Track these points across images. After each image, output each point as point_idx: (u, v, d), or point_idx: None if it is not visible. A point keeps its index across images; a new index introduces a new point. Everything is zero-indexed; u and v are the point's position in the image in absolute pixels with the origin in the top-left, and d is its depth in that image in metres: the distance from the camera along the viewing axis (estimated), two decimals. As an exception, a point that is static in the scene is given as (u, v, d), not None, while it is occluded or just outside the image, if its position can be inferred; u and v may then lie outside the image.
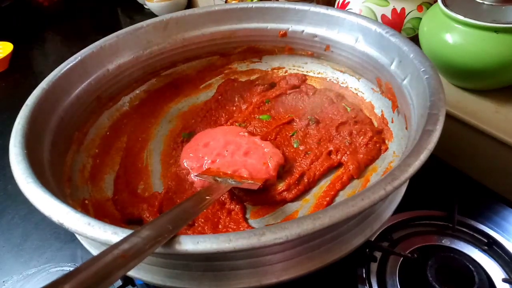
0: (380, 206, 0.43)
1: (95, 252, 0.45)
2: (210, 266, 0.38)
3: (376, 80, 0.61)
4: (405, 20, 0.74)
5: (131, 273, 0.42)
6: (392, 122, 0.59)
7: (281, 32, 0.70)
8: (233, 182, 0.55)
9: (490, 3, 0.61)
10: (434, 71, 0.47)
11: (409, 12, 0.74)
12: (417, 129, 0.43)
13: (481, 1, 0.62)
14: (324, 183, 0.59)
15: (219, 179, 0.56)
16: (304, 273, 0.39)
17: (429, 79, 0.46)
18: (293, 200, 0.57)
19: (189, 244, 0.32)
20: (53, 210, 0.38)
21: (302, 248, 0.38)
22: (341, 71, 0.70)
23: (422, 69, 0.48)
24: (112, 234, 0.34)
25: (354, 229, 0.40)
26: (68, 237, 0.62)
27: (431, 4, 0.72)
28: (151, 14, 1.28)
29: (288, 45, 0.72)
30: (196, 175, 0.59)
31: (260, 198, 0.57)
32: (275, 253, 0.37)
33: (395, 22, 0.74)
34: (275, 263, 0.38)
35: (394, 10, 0.74)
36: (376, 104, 0.64)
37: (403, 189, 0.47)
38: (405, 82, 0.52)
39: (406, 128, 0.52)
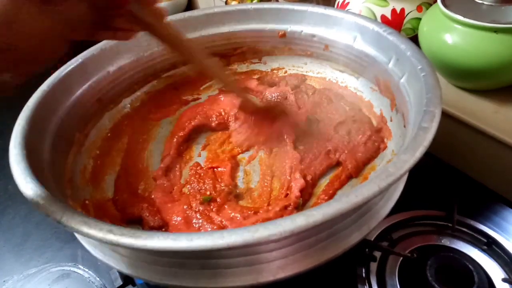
0: (377, 203, 0.42)
1: (94, 251, 0.45)
2: (206, 264, 0.38)
3: (375, 78, 0.61)
4: (405, 21, 0.74)
5: (130, 272, 0.42)
6: (391, 120, 0.59)
7: (280, 33, 0.70)
8: None
9: (490, 3, 0.61)
10: (431, 68, 0.47)
11: (409, 13, 0.74)
12: (414, 126, 0.43)
13: (480, 1, 0.62)
14: (323, 182, 0.59)
15: None
16: (301, 271, 0.39)
17: (425, 76, 0.46)
18: (292, 199, 0.57)
19: (183, 241, 0.33)
20: (50, 209, 0.38)
21: (298, 245, 0.38)
22: (340, 71, 0.70)
23: (419, 67, 0.48)
24: (107, 232, 0.34)
25: (350, 227, 0.40)
26: (68, 237, 0.62)
27: (431, 5, 0.72)
28: (153, 16, 1.28)
29: (287, 46, 0.72)
30: None
31: None
32: (271, 250, 0.37)
33: (395, 23, 0.74)
34: (271, 261, 0.38)
35: (393, 10, 0.74)
36: (375, 103, 0.64)
37: (401, 186, 0.46)
38: (402, 80, 0.52)
39: (404, 126, 0.52)
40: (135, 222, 0.56)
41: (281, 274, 0.39)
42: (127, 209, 0.57)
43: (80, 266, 0.58)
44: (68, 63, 0.61)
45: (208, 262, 0.38)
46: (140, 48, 0.69)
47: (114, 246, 0.40)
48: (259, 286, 0.39)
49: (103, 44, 0.65)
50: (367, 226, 0.41)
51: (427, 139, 0.38)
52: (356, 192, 0.34)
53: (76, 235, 0.45)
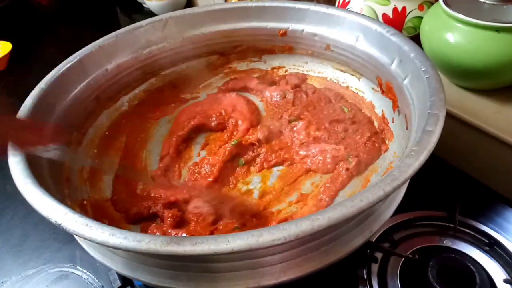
0: (380, 207, 0.42)
1: (93, 253, 0.45)
2: (208, 267, 0.38)
3: (377, 79, 0.61)
4: (406, 19, 0.73)
5: (129, 273, 0.42)
6: (393, 122, 0.58)
7: (281, 31, 0.69)
8: None
9: (492, 2, 0.61)
10: (434, 71, 0.47)
11: (410, 11, 0.73)
12: (417, 129, 0.43)
13: (482, 0, 0.62)
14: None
15: None
16: (303, 275, 0.39)
17: (429, 79, 0.46)
18: (293, 200, 0.56)
19: (187, 245, 0.32)
20: (51, 210, 0.37)
21: (301, 249, 0.38)
22: (341, 71, 0.69)
23: (423, 69, 0.47)
24: (110, 235, 0.34)
25: (353, 230, 0.40)
26: (66, 238, 0.62)
27: (432, 3, 0.72)
28: (151, 13, 1.27)
29: (288, 44, 0.72)
30: None
31: None
32: (274, 254, 0.37)
33: (396, 21, 0.73)
34: (274, 264, 0.38)
35: (395, 9, 0.73)
36: (377, 103, 0.63)
37: (403, 190, 0.46)
38: (405, 81, 0.52)
39: (407, 128, 0.51)
40: (138, 222, 0.56)
41: (283, 278, 0.39)
42: (131, 209, 0.56)
43: (79, 267, 0.57)
44: (66, 61, 0.60)
45: (209, 265, 0.38)
46: (139, 46, 0.68)
47: (116, 249, 0.40)
48: (260, 289, 0.39)
49: (101, 41, 0.64)
50: (370, 230, 0.41)
51: (431, 142, 0.38)
52: (361, 196, 0.34)
53: (75, 236, 0.44)
